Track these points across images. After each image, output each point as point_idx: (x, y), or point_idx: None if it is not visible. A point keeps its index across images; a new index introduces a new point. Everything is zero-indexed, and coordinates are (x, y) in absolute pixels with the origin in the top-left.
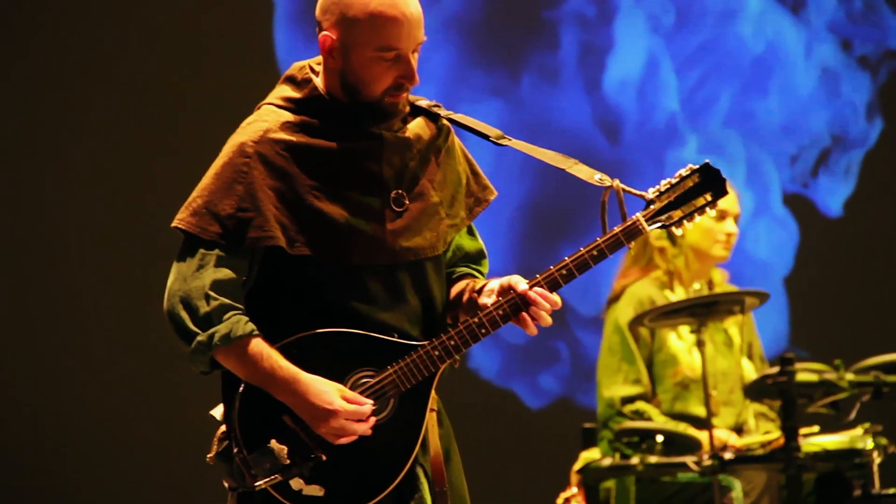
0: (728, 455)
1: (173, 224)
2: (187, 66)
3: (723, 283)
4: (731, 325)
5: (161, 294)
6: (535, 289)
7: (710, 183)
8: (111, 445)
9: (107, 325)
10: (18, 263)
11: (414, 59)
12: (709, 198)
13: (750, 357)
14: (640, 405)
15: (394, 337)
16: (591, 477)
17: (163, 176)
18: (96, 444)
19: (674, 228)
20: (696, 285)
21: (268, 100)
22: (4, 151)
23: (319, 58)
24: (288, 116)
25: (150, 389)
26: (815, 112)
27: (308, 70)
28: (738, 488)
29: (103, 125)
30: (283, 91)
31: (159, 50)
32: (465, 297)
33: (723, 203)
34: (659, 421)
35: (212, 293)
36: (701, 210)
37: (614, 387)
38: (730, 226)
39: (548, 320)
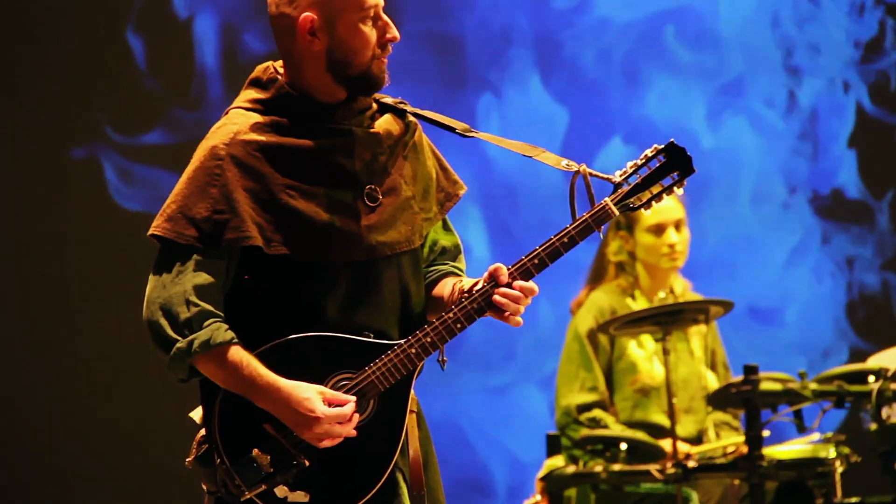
0: (691, 463)
1: (149, 232)
2: None
3: (686, 291)
4: (694, 333)
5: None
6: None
7: (676, 161)
8: (99, 448)
9: (93, 326)
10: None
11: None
12: (676, 176)
13: (713, 366)
14: (597, 413)
15: (370, 337)
16: (554, 484)
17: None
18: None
19: (643, 210)
20: (661, 294)
21: (235, 104)
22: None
23: (280, 62)
24: (257, 118)
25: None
26: None
27: (273, 70)
28: (695, 499)
29: None
30: (250, 94)
31: None
32: (456, 296)
33: (657, 216)
34: (615, 429)
35: (192, 298)
36: (669, 189)
37: (571, 395)
38: (671, 236)
39: (520, 310)
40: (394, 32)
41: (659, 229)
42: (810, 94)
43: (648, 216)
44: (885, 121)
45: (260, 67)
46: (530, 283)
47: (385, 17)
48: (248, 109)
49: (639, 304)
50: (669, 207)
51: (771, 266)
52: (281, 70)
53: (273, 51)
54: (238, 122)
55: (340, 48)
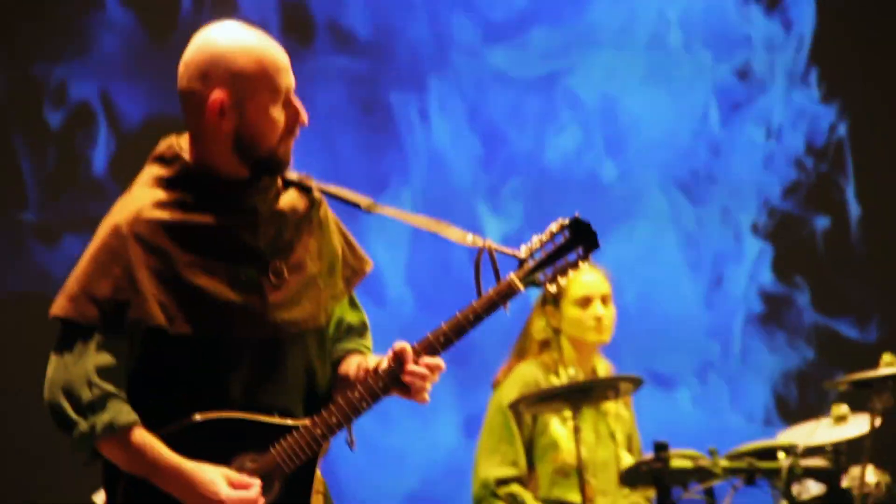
0: None
1: (51, 313)
2: None
3: (608, 373)
4: (613, 417)
5: None
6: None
7: (580, 237)
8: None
9: None
10: None
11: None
12: (581, 251)
13: (630, 450)
14: (515, 488)
15: (275, 416)
16: None
17: None
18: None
19: (548, 286)
20: (571, 370)
21: (138, 180)
22: None
23: (185, 135)
24: (160, 195)
25: None
26: None
27: (176, 146)
28: None
29: None
30: (153, 170)
31: None
32: (362, 374)
33: (584, 289)
34: None
35: (94, 379)
36: (574, 265)
37: (490, 468)
38: (598, 309)
39: (427, 388)
40: (303, 117)
41: (585, 301)
42: (723, 174)
43: (576, 289)
44: (797, 214)
45: (163, 143)
46: (437, 360)
47: (296, 101)
48: (151, 186)
49: (562, 380)
50: (595, 281)
51: (690, 340)
52: (185, 145)
53: (150, 115)
54: (141, 199)
55: (248, 130)
